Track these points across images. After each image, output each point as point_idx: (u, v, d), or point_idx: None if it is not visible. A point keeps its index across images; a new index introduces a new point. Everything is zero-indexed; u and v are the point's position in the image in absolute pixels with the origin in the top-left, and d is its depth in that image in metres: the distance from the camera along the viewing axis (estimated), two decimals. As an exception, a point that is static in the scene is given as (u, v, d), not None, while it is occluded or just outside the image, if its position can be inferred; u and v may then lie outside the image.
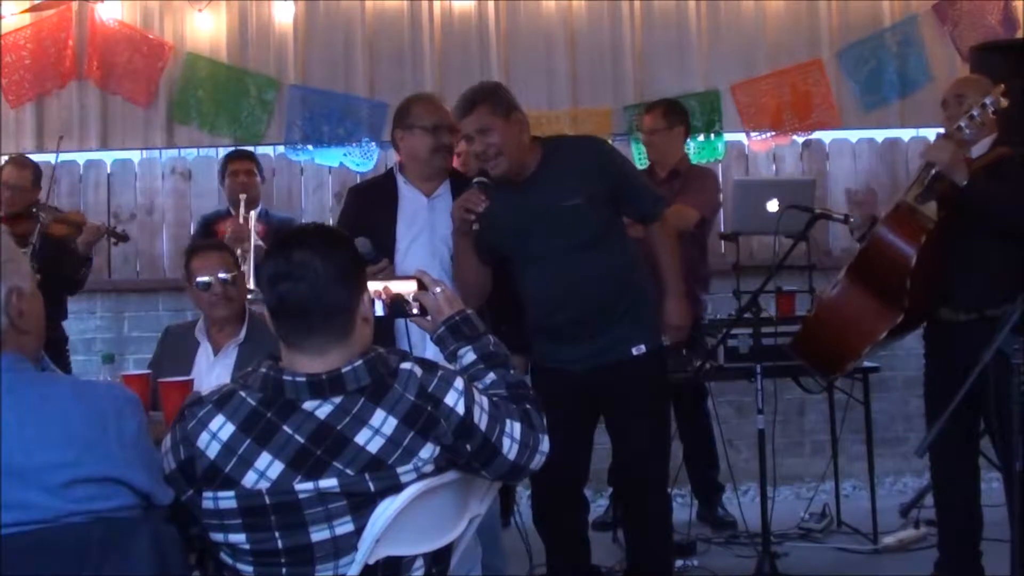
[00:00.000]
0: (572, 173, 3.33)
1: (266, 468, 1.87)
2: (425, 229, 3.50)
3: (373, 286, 2.25)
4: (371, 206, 3.58)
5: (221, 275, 3.34)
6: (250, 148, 5.35)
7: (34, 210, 4.64)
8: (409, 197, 3.55)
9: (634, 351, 3.33)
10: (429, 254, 3.43)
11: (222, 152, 5.47)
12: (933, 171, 3.35)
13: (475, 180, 3.28)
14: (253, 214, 4.70)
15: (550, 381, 3.34)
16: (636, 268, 3.43)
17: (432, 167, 3.53)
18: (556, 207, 3.29)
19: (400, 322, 3.20)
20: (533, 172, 3.35)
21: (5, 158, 5.49)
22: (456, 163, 4.02)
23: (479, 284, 3.40)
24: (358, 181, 5.70)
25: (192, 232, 4.96)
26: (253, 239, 4.57)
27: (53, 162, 5.05)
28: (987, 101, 3.31)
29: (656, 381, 3.41)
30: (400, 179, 3.59)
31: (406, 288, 2.35)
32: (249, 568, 1.93)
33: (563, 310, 3.32)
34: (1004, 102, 3.32)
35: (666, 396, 3.60)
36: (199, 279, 3.34)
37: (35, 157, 5.01)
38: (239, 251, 4.40)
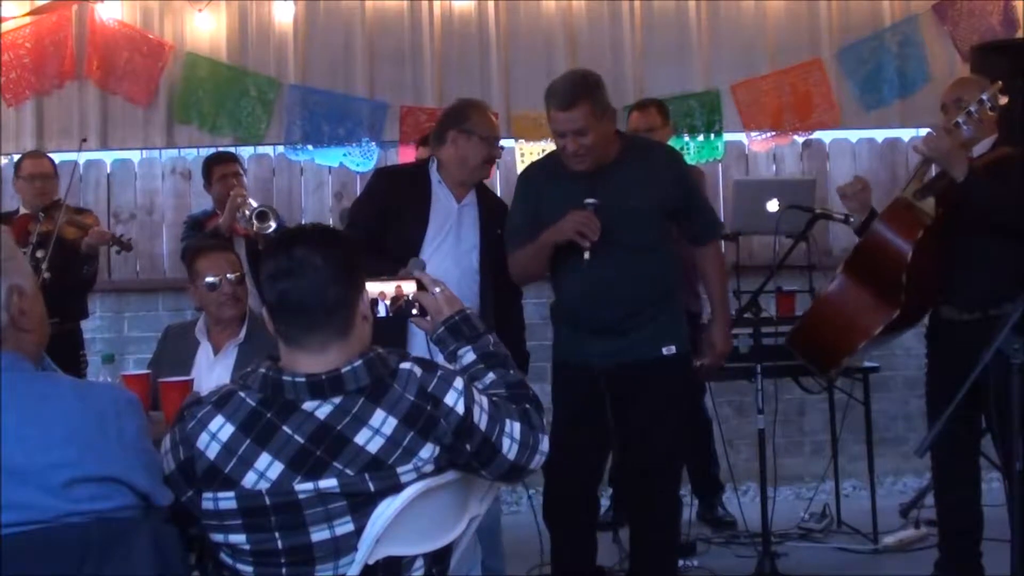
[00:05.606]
0: (645, 177, 3.30)
1: (266, 468, 1.87)
2: (451, 236, 3.51)
3: (375, 287, 2.25)
4: (403, 194, 3.54)
5: (229, 275, 3.37)
6: (231, 149, 5.36)
7: (37, 209, 4.64)
8: (442, 199, 3.54)
9: (664, 351, 3.31)
10: (454, 263, 3.44)
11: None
12: (933, 168, 3.35)
13: (587, 202, 3.18)
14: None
15: (572, 379, 3.33)
16: (676, 282, 3.44)
17: (475, 176, 3.55)
18: (619, 206, 3.23)
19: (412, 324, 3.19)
20: (608, 164, 3.29)
21: (5, 159, 5.49)
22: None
23: (537, 277, 3.53)
24: (358, 180, 5.71)
25: (183, 232, 4.95)
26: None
27: (79, 161, 5.09)
28: (984, 97, 3.30)
29: (683, 385, 3.40)
30: (435, 177, 3.56)
31: (406, 288, 2.35)
32: (249, 568, 1.92)
33: (595, 308, 3.29)
34: (1002, 99, 3.31)
35: (689, 401, 3.56)
36: (208, 279, 3.35)
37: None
38: (242, 209, 4.54)
